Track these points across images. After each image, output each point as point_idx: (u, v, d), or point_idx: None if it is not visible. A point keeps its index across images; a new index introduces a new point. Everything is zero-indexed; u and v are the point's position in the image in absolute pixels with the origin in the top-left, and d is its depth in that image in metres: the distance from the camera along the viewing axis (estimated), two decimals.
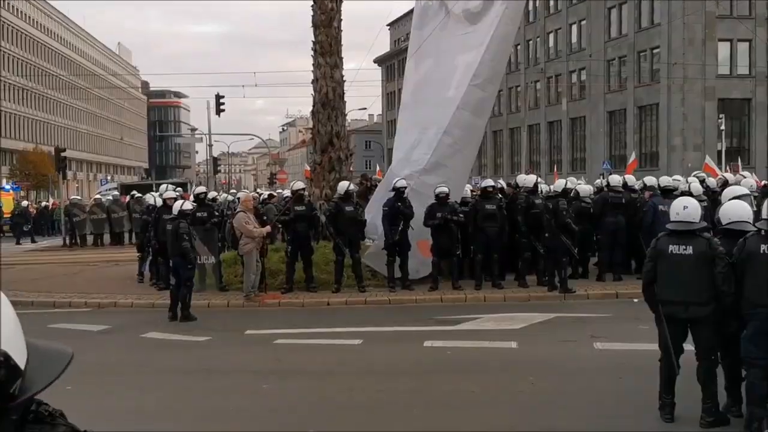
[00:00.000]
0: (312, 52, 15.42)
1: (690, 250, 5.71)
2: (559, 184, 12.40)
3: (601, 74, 46.70)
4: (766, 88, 41.06)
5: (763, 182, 16.57)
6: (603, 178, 16.65)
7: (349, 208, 12.25)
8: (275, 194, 18.63)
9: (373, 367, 8.02)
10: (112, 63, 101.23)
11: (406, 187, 12.22)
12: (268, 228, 12.03)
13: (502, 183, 16.43)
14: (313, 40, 15.35)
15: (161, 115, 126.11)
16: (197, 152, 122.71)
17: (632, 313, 9.45)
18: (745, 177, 13.80)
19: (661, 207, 11.58)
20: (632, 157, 24.72)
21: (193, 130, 68.87)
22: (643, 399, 6.12)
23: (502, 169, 57.76)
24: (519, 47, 53.78)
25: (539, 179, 13.39)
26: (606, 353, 8.22)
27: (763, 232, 5.55)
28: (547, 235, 11.71)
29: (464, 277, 12.68)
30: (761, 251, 5.48)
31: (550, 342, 8.89)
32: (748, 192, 7.57)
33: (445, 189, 12.00)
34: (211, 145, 47.07)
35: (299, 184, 13.29)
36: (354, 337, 9.29)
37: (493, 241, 12.16)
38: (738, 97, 41.28)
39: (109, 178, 78.37)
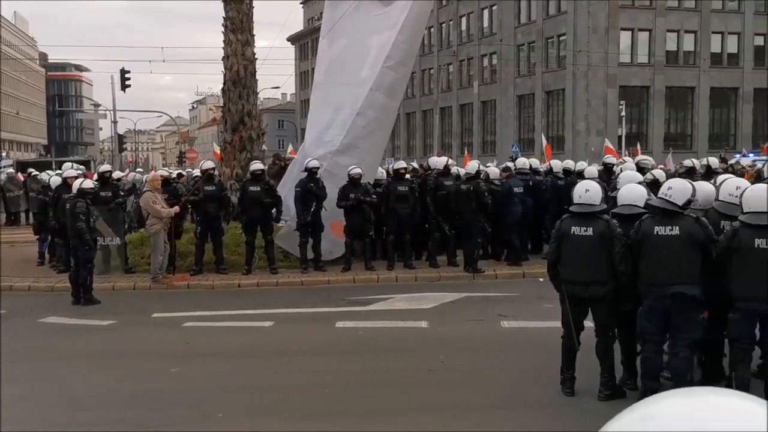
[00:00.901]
0: (222, 28, 15.03)
1: (591, 231, 5.96)
2: (472, 166, 12.62)
3: (512, 59, 47.78)
4: (664, 77, 43.14)
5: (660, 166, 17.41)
6: (513, 160, 17.00)
7: (253, 188, 12.06)
8: (184, 173, 18.15)
9: (284, 349, 7.98)
10: (7, 33, 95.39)
11: (319, 168, 12.16)
12: (176, 208, 11.71)
13: (414, 164, 16.61)
14: (224, 15, 14.97)
15: (61, 89, 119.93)
16: (101, 129, 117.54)
17: (538, 292, 9.80)
18: (646, 160, 14.44)
19: (516, 189, 12.47)
20: (544, 142, 25.43)
21: (97, 105, 65.86)
22: (547, 374, 6.36)
23: (415, 151, 58.35)
24: (432, 30, 54.25)
25: (451, 161, 13.58)
26: (512, 331, 8.49)
27: (657, 215, 5.86)
28: (457, 217, 11.93)
29: (377, 257, 12.78)
30: (655, 233, 5.77)
31: (459, 321, 9.09)
32: (641, 178, 7.95)
33: (359, 170, 12.01)
34: (115, 122, 45.31)
35: (209, 164, 12.98)
36: (265, 319, 9.21)
37: (405, 222, 12.29)
38: (638, 85, 43.18)
39: (3, 154, 74.09)
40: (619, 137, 36.44)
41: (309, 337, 8.46)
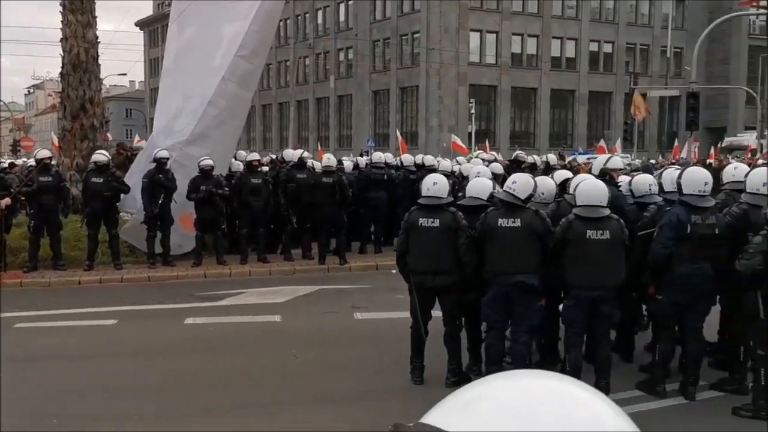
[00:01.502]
0: (60, 8, 14.02)
1: (437, 222, 6.14)
2: (333, 160, 12.61)
3: (367, 54, 48.36)
4: (510, 77, 45.43)
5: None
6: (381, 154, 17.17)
7: (96, 180, 11.36)
8: (17, 163, 16.79)
9: (128, 348, 7.57)
10: None
11: (168, 158, 11.65)
12: (6, 200, 10.79)
13: (272, 156, 16.36)
14: None
15: None
16: None
17: (390, 283, 9.96)
18: (495, 156, 15.10)
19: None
20: (399, 137, 25.93)
21: None
22: (397, 364, 6.48)
23: (271, 144, 57.61)
24: (288, 21, 53.75)
25: (306, 154, 13.50)
26: (365, 322, 8.58)
27: (500, 208, 6.12)
28: (318, 210, 11.85)
29: (229, 251, 12.47)
30: (499, 225, 6.03)
31: (313, 314, 9.06)
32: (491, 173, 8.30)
33: (210, 161, 11.64)
34: None
35: (44, 152, 12.06)
36: (108, 317, 8.71)
37: (259, 215, 12.07)
38: (486, 84, 45.17)
39: None
40: (470, 134, 37.94)
41: (155, 335, 8.09)
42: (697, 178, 6.01)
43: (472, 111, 40.20)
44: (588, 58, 47.91)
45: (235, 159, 13.45)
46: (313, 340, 7.81)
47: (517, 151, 15.18)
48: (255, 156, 13.21)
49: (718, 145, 33.50)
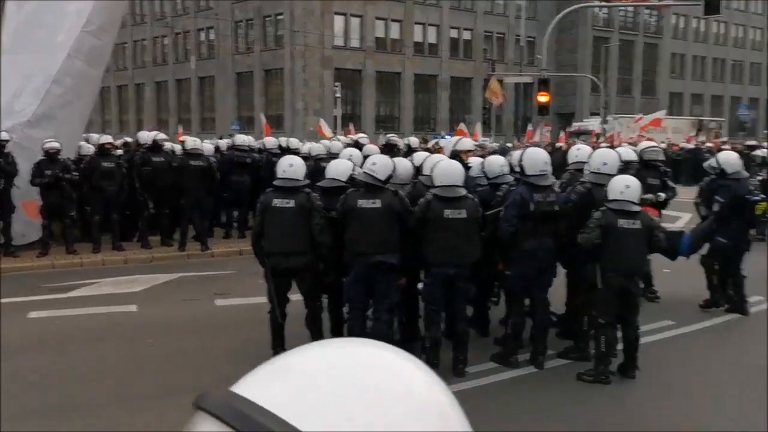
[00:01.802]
0: None
1: (292, 203, 6.10)
2: (199, 142, 12.19)
3: (229, 35, 47.05)
4: (374, 62, 45.85)
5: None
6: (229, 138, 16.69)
7: None
8: None
9: None
10: None
11: (8, 141, 10.76)
12: None
13: (128, 139, 15.58)
14: None
15: None
16: None
17: (255, 268, 9.71)
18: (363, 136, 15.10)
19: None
20: (263, 121, 25.45)
21: None
22: (260, 351, 6.36)
23: (128, 127, 54.82)
24: None
25: (162, 136, 12.92)
26: (227, 309, 8.39)
27: (361, 189, 6.16)
28: (184, 198, 11.39)
29: (81, 240, 11.73)
30: (359, 206, 6.07)
31: (172, 302, 8.75)
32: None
33: (55, 144, 10.88)
34: None
35: None
36: None
37: (112, 201, 11.44)
38: (351, 68, 45.32)
39: None
40: (335, 117, 37.95)
41: None
42: (537, 159, 6.33)
43: (338, 95, 40.19)
44: (449, 45, 49.23)
45: (87, 142, 12.67)
46: (171, 329, 7.54)
47: (389, 135, 15.33)
48: (107, 138, 12.51)
49: (567, 129, 35.63)
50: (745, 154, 13.93)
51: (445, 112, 49.35)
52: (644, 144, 9.49)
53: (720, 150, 28.19)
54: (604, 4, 46.84)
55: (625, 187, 6.03)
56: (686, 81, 60.88)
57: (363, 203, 6.09)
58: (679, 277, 9.00)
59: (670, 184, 8.77)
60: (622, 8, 54.68)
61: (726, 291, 8.44)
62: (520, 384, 6.13)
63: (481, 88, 47.29)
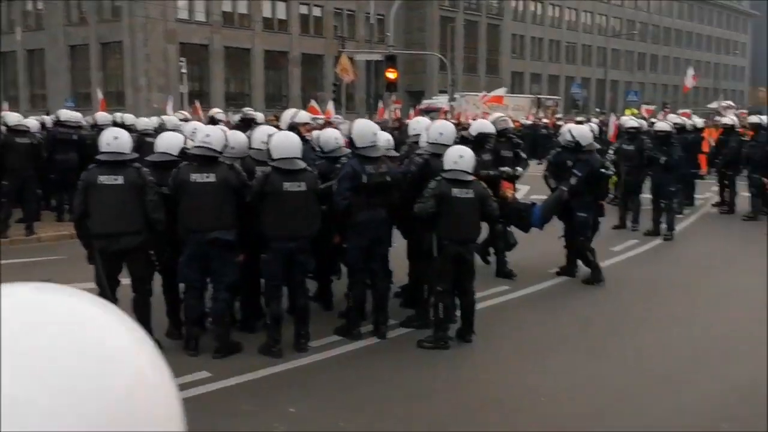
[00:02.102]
0: None
1: (120, 180, 5.70)
2: (21, 119, 11.17)
3: (60, 4, 43.67)
4: (222, 37, 44.40)
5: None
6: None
7: None
8: None
9: None
10: None
11: None
12: None
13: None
14: None
15: None
16: None
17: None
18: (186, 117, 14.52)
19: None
20: (100, 96, 23.87)
21: None
22: None
23: None
24: None
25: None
26: None
27: (194, 164, 5.88)
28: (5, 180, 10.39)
29: None
30: (192, 180, 5.80)
31: None
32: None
33: None
34: None
35: None
36: None
37: None
38: (197, 43, 43.60)
39: None
40: (182, 94, 36.41)
41: None
42: (366, 132, 6.34)
43: (184, 71, 38.52)
44: (299, 21, 48.63)
45: None
46: None
47: (246, 109, 14.86)
48: None
49: (417, 106, 36.42)
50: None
51: (296, 89, 48.82)
52: (495, 115, 9.57)
53: (555, 126, 29.98)
54: None
55: (459, 158, 6.17)
56: (526, 61, 64.16)
57: (196, 177, 5.82)
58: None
59: (523, 155, 8.95)
60: None
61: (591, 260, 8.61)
62: (363, 355, 6.16)
63: (333, 65, 47.26)
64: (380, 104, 33.25)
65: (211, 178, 5.83)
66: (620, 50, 73.61)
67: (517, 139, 9.25)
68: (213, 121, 11.52)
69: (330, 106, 29.33)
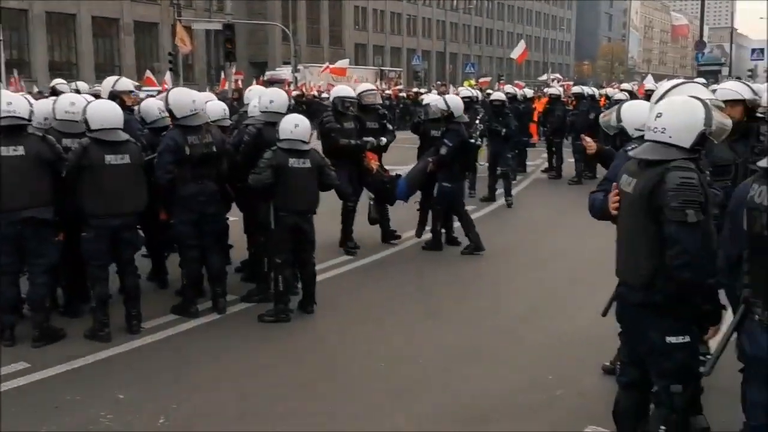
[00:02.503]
0: None
1: None
2: None
3: None
4: (43, 2, 40.84)
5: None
6: None
7: None
8: None
9: None
10: None
11: None
12: None
13: None
14: None
15: None
16: None
17: None
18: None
19: None
20: None
21: None
22: None
23: None
24: None
25: None
26: None
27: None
28: None
29: None
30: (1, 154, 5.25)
31: None
32: None
33: None
34: None
35: None
36: None
37: None
38: (15, 8, 39.84)
39: None
40: None
41: None
42: (184, 101, 6.02)
43: (0, 38, 35.10)
44: None
45: None
46: None
47: (56, 80, 13.66)
48: None
49: (260, 77, 35.63)
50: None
51: (130, 58, 46.13)
52: (362, 87, 8.97)
53: (397, 97, 30.47)
54: None
55: (295, 126, 6.03)
56: (369, 33, 64.71)
57: (4, 151, 5.26)
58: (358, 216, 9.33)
59: (390, 127, 8.77)
60: None
61: (450, 233, 8.76)
62: (202, 333, 5.93)
63: (169, 34, 45.04)
64: (222, 75, 32.21)
65: (20, 151, 5.30)
66: (458, 24, 76.24)
67: (384, 110, 9.12)
68: (55, 92, 10.51)
69: (167, 77, 28.01)
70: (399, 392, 4.77)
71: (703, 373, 2.97)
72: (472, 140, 8.64)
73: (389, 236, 8.94)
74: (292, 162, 5.98)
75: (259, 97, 6.70)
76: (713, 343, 3.32)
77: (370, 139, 8.36)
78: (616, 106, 4.59)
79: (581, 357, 5.28)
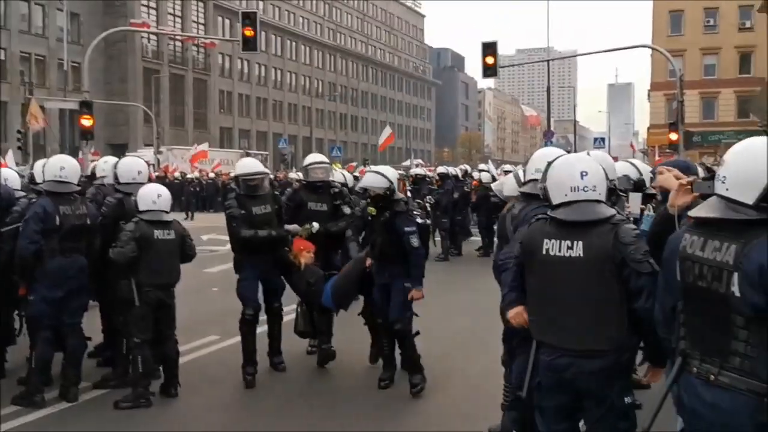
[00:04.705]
0: None
1: None
2: None
3: None
4: None
5: None
6: None
7: None
8: None
9: None
10: None
11: None
12: None
13: None
14: None
15: None
16: None
17: None
18: None
19: None
20: None
21: None
22: None
23: None
24: None
25: None
26: None
27: None
28: None
29: None
30: None
31: None
32: None
33: None
34: None
35: None
36: None
37: None
38: None
39: None
40: None
41: None
42: (54, 167, 5.68)
43: None
44: None
45: None
46: None
47: None
48: None
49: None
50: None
51: None
52: (309, 159, 7.13)
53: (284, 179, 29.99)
54: (148, 30, 46.90)
55: (157, 197, 5.75)
56: (234, 116, 64.70)
57: None
58: (226, 294, 8.92)
59: (347, 210, 6.81)
60: (171, 41, 55.67)
61: None
62: (49, 425, 5.31)
63: (19, 113, 42.78)
64: (80, 155, 30.72)
65: None
66: (324, 110, 78.09)
67: (340, 188, 7.06)
68: None
69: (9, 155, 26.28)
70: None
71: (643, 430, 2.80)
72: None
73: (325, 357, 6.71)
74: (158, 233, 5.65)
75: (114, 168, 6.33)
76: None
77: (293, 226, 6.55)
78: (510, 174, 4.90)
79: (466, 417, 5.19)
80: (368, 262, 6.00)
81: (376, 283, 5.98)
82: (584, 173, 3.16)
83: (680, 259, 2.56)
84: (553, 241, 3.14)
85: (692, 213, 2.60)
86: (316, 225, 6.63)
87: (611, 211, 3.15)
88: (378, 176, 5.85)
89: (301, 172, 6.99)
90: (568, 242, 3.09)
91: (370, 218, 6.04)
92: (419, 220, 5.89)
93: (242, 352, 6.32)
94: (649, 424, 2.73)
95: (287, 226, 6.54)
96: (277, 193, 6.63)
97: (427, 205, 6.38)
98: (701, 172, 4.42)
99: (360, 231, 6.40)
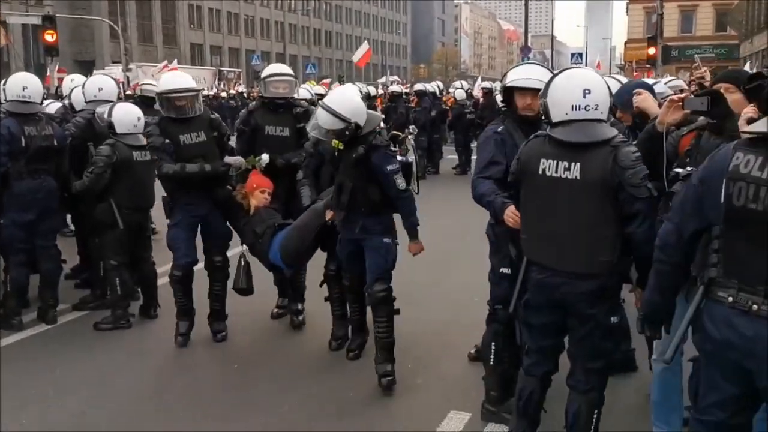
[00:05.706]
0: None
1: None
2: None
3: None
4: None
5: None
6: None
7: None
8: None
9: None
10: None
11: None
12: None
13: None
14: None
15: None
16: None
17: None
18: None
19: None
20: None
21: None
22: None
23: None
24: None
25: None
26: None
27: None
28: None
29: None
30: None
31: None
32: None
33: None
34: None
35: None
36: None
37: None
38: None
39: None
40: None
41: None
42: (16, 86, 5.48)
43: None
44: None
45: None
46: None
47: None
48: None
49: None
50: None
51: None
52: (269, 70, 5.82)
53: (242, 97, 29.60)
54: None
55: (137, 120, 5.58)
56: (205, 32, 62.77)
57: None
58: None
59: None
60: None
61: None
62: (34, 344, 5.35)
63: None
64: (47, 72, 29.80)
65: None
66: (297, 25, 76.01)
67: (303, 108, 5.61)
68: None
69: None
70: (252, 399, 4.52)
71: (665, 361, 2.77)
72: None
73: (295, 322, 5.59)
74: (136, 155, 5.51)
75: (83, 86, 6.13)
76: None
77: (235, 158, 5.29)
78: None
79: (447, 344, 5.27)
80: (329, 214, 4.64)
81: (342, 238, 4.64)
82: (587, 91, 2.99)
83: (730, 180, 2.35)
84: (550, 161, 3.03)
85: (751, 128, 2.37)
86: (265, 157, 5.27)
87: (612, 132, 3.02)
88: (329, 116, 4.26)
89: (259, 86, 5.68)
90: (566, 163, 2.99)
91: (336, 154, 4.50)
92: (400, 157, 4.59)
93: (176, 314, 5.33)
94: (672, 354, 2.66)
95: (227, 159, 5.23)
96: (215, 115, 5.33)
97: (411, 137, 4.78)
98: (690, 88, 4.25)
99: (316, 172, 4.98)
